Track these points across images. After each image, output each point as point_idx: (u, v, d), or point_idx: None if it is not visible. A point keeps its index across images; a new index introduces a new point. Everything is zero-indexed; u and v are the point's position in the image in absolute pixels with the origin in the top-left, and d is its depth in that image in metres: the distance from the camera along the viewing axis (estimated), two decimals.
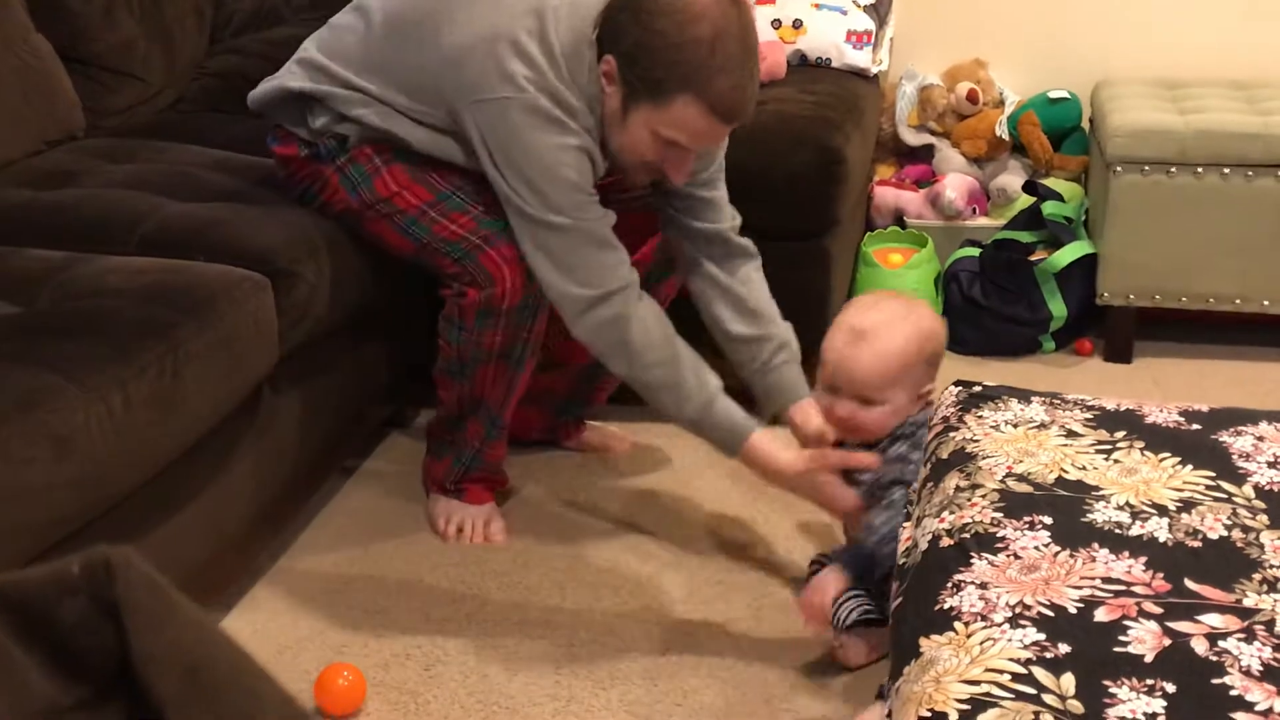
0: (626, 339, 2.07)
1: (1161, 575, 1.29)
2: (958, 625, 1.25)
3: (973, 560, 1.34)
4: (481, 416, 2.29)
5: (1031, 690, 1.14)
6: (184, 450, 1.88)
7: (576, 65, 2.04)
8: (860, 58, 3.07)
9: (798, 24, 3.07)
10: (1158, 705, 1.12)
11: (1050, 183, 3.25)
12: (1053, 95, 3.31)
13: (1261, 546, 1.34)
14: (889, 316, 1.99)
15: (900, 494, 1.90)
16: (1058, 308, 3.05)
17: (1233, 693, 1.13)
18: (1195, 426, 1.59)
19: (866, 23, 3.11)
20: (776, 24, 3.06)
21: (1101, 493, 1.44)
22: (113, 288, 1.91)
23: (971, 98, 3.30)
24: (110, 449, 1.67)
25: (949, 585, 1.31)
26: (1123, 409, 1.64)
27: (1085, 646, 1.19)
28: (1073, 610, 1.24)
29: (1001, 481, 1.48)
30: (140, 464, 1.77)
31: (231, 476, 2.04)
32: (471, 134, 2.07)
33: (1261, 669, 1.16)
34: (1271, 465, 1.49)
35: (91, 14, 2.71)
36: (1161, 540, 1.35)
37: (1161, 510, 1.41)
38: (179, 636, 0.78)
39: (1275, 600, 1.25)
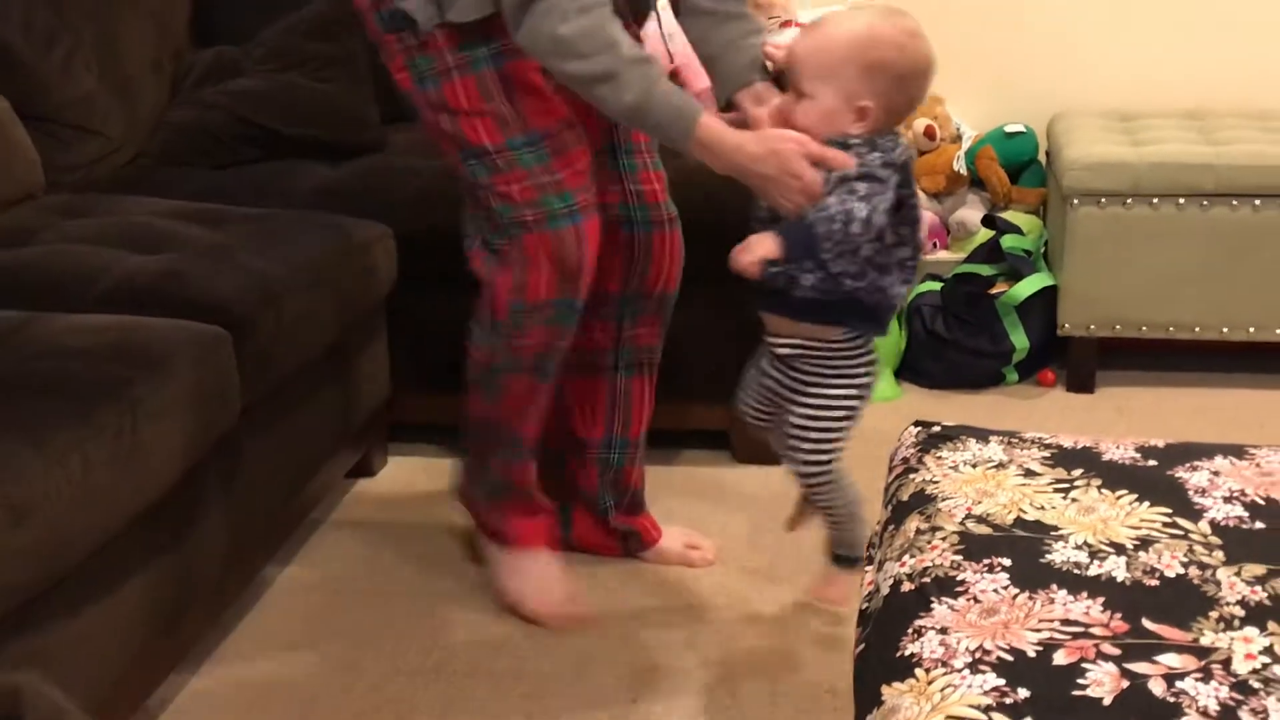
0: (557, 32, 1.85)
1: (1119, 615, 1.30)
2: (919, 672, 1.25)
3: (933, 605, 1.35)
4: (504, 439, 2.16)
5: None
6: (147, 507, 1.87)
7: None
8: None
9: None
10: None
11: (1009, 216, 3.28)
12: (1009, 129, 3.35)
13: (1218, 584, 1.34)
14: (848, 16, 1.88)
15: (857, 188, 1.78)
16: (1019, 340, 3.07)
17: None
18: (1152, 462, 1.60)
19: None
20: None
21: (1060, 532, 1.45)
22: (70, 347, 1.90)
23: (929, 134, 3.33)
24: (70, 513, 1.66)
25: (910, 631, 1.32)
26: (1079, 446, 1.65)
27: (1044, 690, 1.20)
28: (1032, 654, 1.25)
29: (961, 524, 1.49)
30: (101, 525, 1.76)
31: (197, 531, 2.03)
32: None
33: (1219, 708, 1.16)
34: (1227, 500, 1.50)
35: (49, 70, 2.71)
36: (1119, 580, 1.36)
37: (1119, 549, 1.41)
38: None
39: (1231, 638, 1.26)
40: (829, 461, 1.99)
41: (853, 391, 1.96)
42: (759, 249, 1.77)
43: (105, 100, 2.80)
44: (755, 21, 2.06)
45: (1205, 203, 2.94)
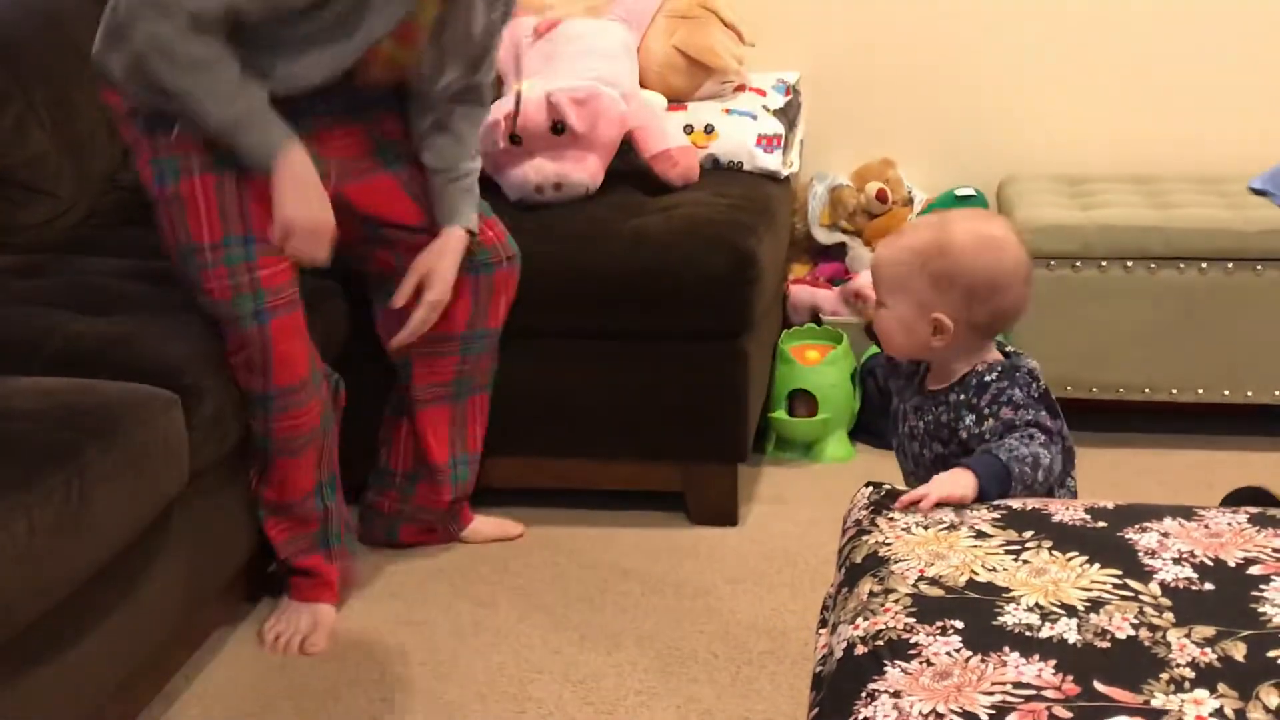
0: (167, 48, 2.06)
1: (1071, 678, 1.30)
2: None
3: (886, 668, 1.35)
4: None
5: None
6: (94, 572, 1.84)
7: None
8: (771, 161, 3.13)
9: (709, 129, 3.12)
10: None
11: None
12: (959, 193, 3.39)
13: (1168, 645, 1.35)
14: (926, 222, 1.83)
15: (1036, 435, 1.72)
16: None
17: None
18: (1101, 524, 1.61)
19: (776, 127, 3.17)
20: (689, 129, 3.11)
21: (1012, 594, 1.46)
22: (17, 410, 1.88)
23: (881, 197, 3.36)
24: (14, 578, 1.64)
25: (863, 695, 1.31)
26: (1029, 508, 1.66)
27: None
28: (984, 717, 1.24)
29: (914, 586, 1.49)
30: (46, 590, 1.73)
31: (144, 596, 2.01)
32: None
33: None
34: (1176, 561, 1.51)
35: (1, 129, 2.70)
36: (1071, 641, 1.36)
37: (1070, 610, 1.42)
38: None
39: (1182, 700, 1.26)
40: None
41: None
42: (958, 491, 1.64)
43: (57, 160, 2.78)
44: (469, 164, 2.42)
45: (1153, 265, 2.98)
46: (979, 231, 1.78)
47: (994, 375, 1.81)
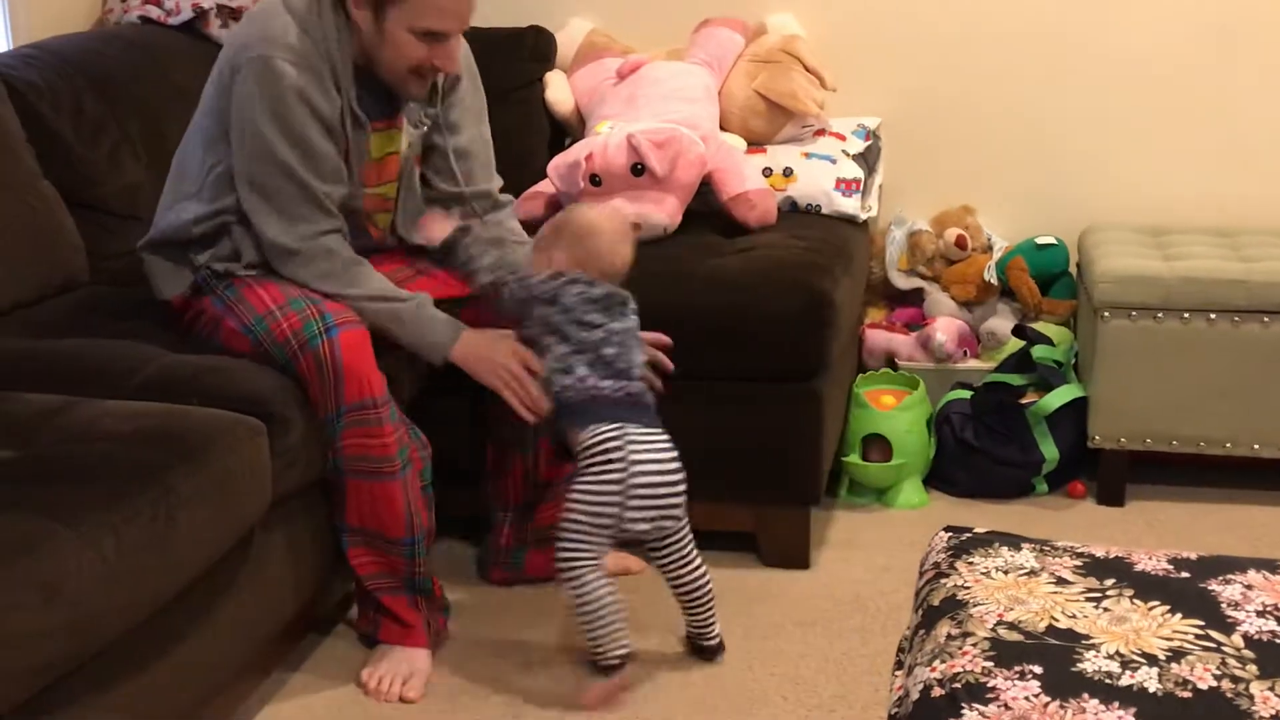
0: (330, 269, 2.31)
1: None
2: None
3: (964, 711, 1.34)
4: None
5: None
6: (176, 593, 1.88)
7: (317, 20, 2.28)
8: (849, 204, 3.13)
9: (788, 172, 3.13)
10: None
11: (1039, 327, 3.29)
12: (1040, 241, 3.37)
13: (1251, 697, 1.33)
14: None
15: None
16: (1049, 450, 3.06)
17: None
18: (1184, 574, 1.60)
19: (855, 171, 3.18)
20: (768, 172, 3.12)
21: (1092, 641, 1.45)
22: (108, 431, 1.93)
23: (960, 243, 3.35)
24: (101, 594, 1.67)
25: None
26: (1112, 556, 1.64)
27: None
28: None
29: (992, 630, 1.48)
30: (131, 608, 1.77)
31: (222, 619, 2.04)
32: None
33: None
34: (1260, 614, 1.49)
35: (98, 160, 2.77)
36: (1152, 690, 1.35)
37: (1151, 660, 1.40)
38: None
39: None
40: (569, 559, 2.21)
41: (582, 492, 2.21)
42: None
43: (150, 189, 2.85)
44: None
45: (1236, 318, 2.94)
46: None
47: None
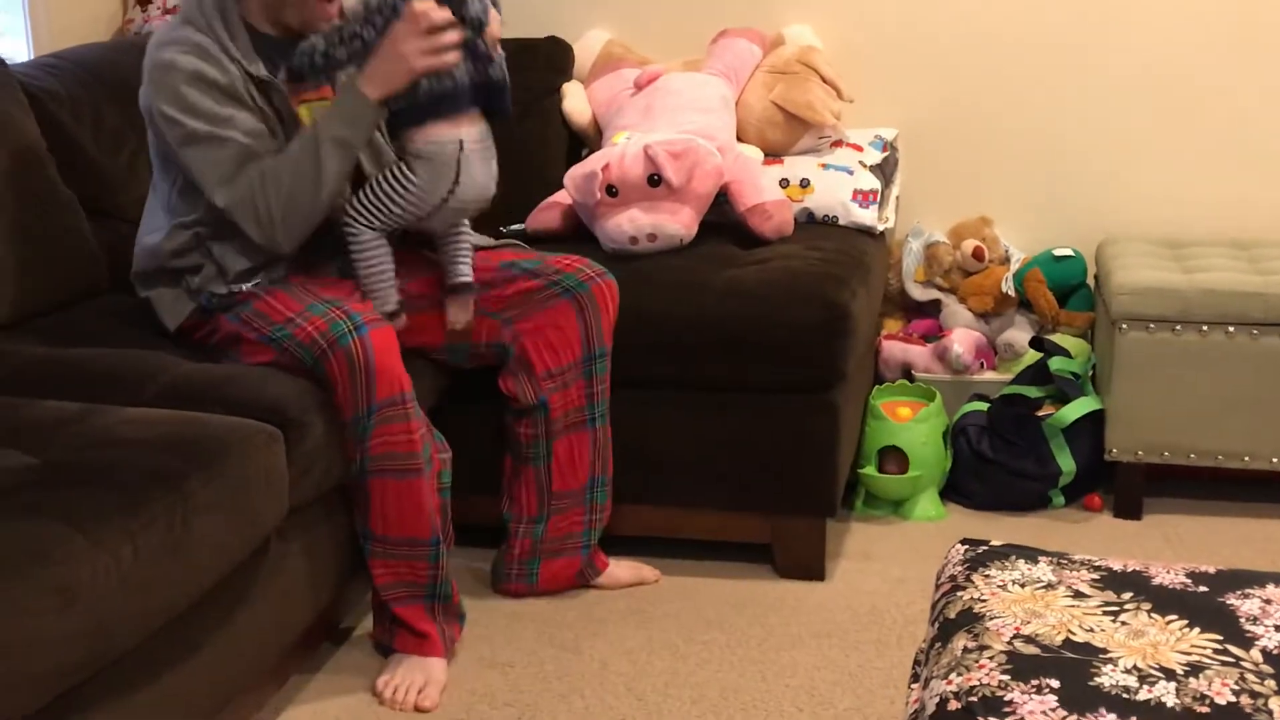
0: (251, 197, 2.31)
1: None
2: None
3: None
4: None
5: None
6: (192, 600, 1.88)
7: None
8: (866, 216, 3.13)
9: (805, 183, 3.13)
10: None
11: (1057, 338, 3.28)
12: (1058, 253, 3.36)
13: (1270, 713, 1.32)
14: None
15: None
16: (1066, 463, 3.05)
17: None
18: (1202, 588, 1.59)
19: (872, 182, 3.18)
20: (784, 183, 3.12)
21: (1109, 655, 1.44)
22: (126, 438, 1.93)
23: (977, 255, 3.35)
24: (118, 600, 1.68)
25: None
26: (1129, 570, 1.64)
27: None
28: None
29: (1009, 643, 1.47)
30: (148, 615, 1.77)
31: (239, 626, 2.04)
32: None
33: None
34: (1279, 629, 1.48)
35: (117, 169, 2.79)
36: (1169, 705, 1.34)
37: (1169, 674, 1.40)
38: None
39: None
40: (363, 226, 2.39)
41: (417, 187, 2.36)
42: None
43: None
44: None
45: (1255, 331, 2.93)
46: None
47: None
